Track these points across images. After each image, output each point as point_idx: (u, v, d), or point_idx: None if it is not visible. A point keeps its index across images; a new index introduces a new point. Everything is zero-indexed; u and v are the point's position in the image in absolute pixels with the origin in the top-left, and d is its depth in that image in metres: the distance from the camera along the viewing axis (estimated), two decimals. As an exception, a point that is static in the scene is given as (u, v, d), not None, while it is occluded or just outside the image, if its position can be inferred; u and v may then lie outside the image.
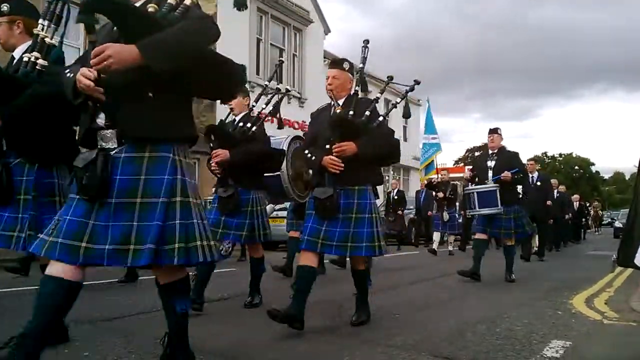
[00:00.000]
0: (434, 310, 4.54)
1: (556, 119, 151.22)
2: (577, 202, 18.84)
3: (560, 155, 78.27)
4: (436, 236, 12.00)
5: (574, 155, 76.96)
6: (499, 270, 8.05)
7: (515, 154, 6.96)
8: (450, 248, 12.13)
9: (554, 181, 14.62)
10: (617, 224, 25.20)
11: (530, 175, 10.40)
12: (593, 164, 77.62)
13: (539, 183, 10.53)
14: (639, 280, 6.60)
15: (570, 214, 15.48)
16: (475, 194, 6.55)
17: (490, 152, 6.92)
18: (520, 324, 3.91)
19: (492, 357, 2.98)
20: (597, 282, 6.74)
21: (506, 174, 6.45)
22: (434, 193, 12.08)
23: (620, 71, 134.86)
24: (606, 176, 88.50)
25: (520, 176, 6.68)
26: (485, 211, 6.49)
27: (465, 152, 53.96)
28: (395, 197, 13.64)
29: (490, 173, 6.66)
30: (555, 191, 13.91)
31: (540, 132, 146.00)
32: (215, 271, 5.54)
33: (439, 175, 12.59)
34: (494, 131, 6.91)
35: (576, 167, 75.29)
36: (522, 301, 5.04)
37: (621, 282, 7.02)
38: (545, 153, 79.60)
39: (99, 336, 3.26)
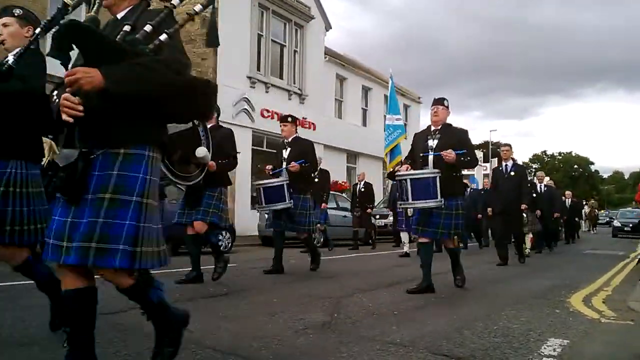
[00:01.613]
0: (431, 307, 4.56)
1: (556, 117, 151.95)
2: (570, 199, 17.62)
3: (560, 154, 78.58)
4: (404, 237, 10.33)
5: (573, 154, 77.25)
6: (495, 268, 8.08)
7: (464, 132, 5.43)
8: (405, 249, 10.06)
9: (540, 174, 13.72)
10: (616, 223, 25.16)
11: (504, 164, 9.12)
12: (592, 163, 78.07)
13: (512, 173, 8.95)
14: (636, 279, 6.63)
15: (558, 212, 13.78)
16: (408, 181, 5.01)
17: (432, 128, 5.37)
18: (517, 322, 3.92)
19: (490, 354, 3.00)
20: (595, 281, 6.76)
21: (449, 152, 5.00)
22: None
23: (621, 71, 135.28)
24: (605, 175, 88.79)
25: (468, 159, 5.16)
26: (421, 204, 5.03)
27: (465, 150, 54.04)
28: (362, 190, 12.25)
29: (431, 156, 5.22)
30: (542, 185, 12.77)
31: (540, 130, 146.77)
32: (212, 266, 5.58)
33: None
34: (438, 102, 5.37)
35: (575, 166, 75.48)
36: (520, 299, 5.06)
37: (619, 281, 7.04)
38: (544, 152, 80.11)
39: (97, 331, 3.25)
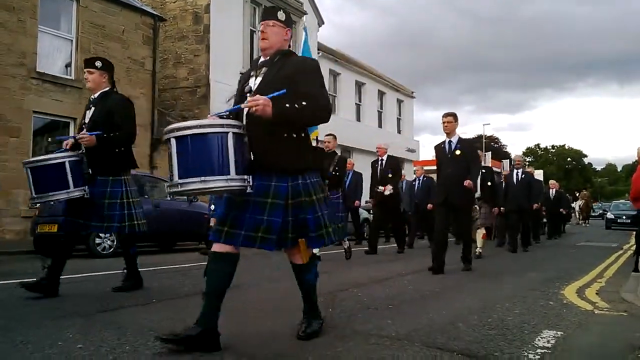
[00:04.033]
0: (426, 301, 4.57)
1: (549, 111, 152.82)
2: (554, 189, 16.07)
3: (553, 147, 78.93)
4: None
5: (566, 147, 77.61)
6: (490, 261, 8.11)
7: (313, 65, 3.05)
8: (345, 246, 8.37)
9: (517, 157, 11.91)
10: (609, 215, 25.27)
11: (447, 140, 6.70)
12: (585, 156, 78.49)
13: (457, 152, 6.53)
14: (629, 271, 6.67)
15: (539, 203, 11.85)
16: (172, 142, 2.68)
17: (260, 60, 3.11)
18: (512, 315, 3.94)
19: (484, 347, 3.01)
20: (589, 273, 6.81)
21: (255, 99, 2.72)
22: None
23: (613, 64, 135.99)
24: (598, 168, 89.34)
25: (302, 105, 2.78)
26: (195, 184, 2.67)
27: (459, 144, 54.16)
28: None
29: (245, 105, 2.84)
30: (520, 172, 10.62)
31: (533, 124, 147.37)
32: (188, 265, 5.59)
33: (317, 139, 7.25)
34: (268, 15, 3.08)
35: (569, 159, 75.85)
36: (514, 292, 5.08)
37: (612, 272, 7.09)
38: (538, 145, 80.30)
39: (92, 328, 3.26)
